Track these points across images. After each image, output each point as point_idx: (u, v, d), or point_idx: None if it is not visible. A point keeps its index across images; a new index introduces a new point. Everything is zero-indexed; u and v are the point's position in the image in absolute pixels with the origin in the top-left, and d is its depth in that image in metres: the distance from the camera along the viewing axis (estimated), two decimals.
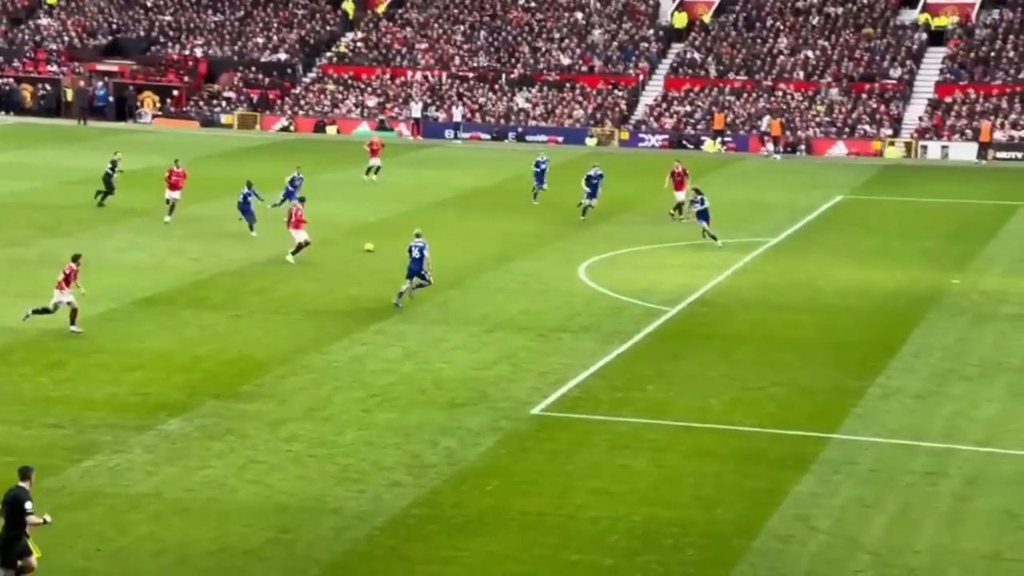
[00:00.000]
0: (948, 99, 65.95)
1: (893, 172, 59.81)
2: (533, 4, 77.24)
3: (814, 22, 72.13)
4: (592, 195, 45.99)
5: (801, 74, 69.29)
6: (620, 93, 71.08)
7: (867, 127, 65.75)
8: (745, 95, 68.90)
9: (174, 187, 44.71)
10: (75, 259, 31.64)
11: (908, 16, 71.33)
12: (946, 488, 22.74)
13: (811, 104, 67.47)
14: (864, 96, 67.36)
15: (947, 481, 23.05)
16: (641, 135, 68.33)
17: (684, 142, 67.21)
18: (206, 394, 27.08)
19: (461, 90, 72.73)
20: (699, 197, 42.08)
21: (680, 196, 45.81)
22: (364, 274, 38.08)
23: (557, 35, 75.25)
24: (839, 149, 64.89)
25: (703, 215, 41.86)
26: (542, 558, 20.10)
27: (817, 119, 66.46)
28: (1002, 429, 25.70)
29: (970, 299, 35.76)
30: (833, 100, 67.32)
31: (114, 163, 47.82)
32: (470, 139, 69.29)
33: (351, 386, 27.93)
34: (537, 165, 49.40)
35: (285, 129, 71.77)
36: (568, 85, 71.98)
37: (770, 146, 65.26)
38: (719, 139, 66.54)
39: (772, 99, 68.11)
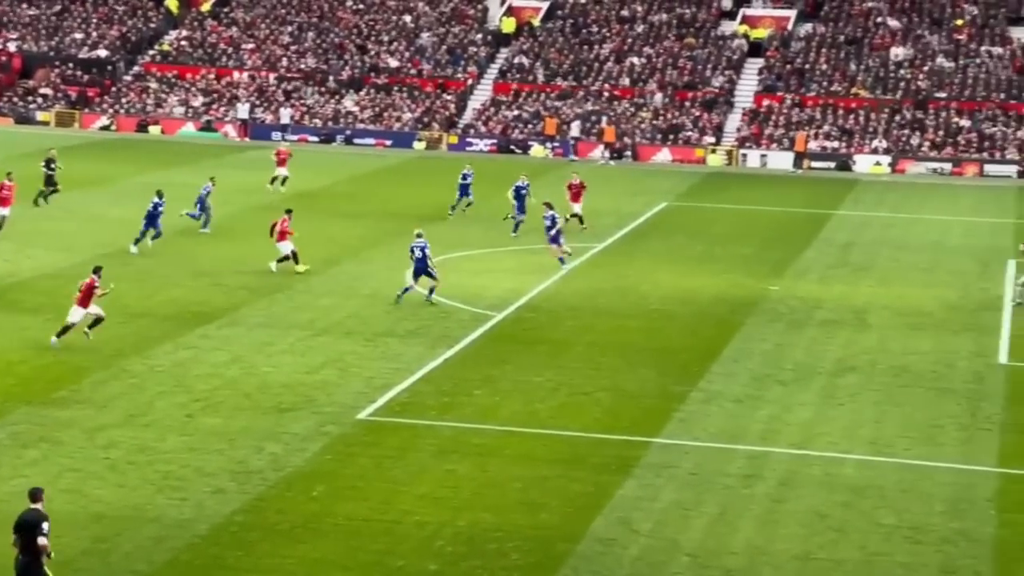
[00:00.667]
0: (765, 109, 67.76)
1: (715, 179, 61.20)
2: (362, 6, 76.99)
3: (639, 30, 73.36)
4: (521, 209, 44.79)
5: (627, 80, 70.42)
6: (448, 97, 71.28)
7: (690, 134, 67.15)
8: (572, 100, 69.69)
9: (3, 203, 41.87)
10: (96, 271, 30.55)
11: (728, 27, 73.07)
12: (761, 490, 23.36)
13: (637, 110, 68.60)
14: (687, 104, 68.77)
15: (762, 483, 23.68)
16: (469, 139, 68.63)
17: (512, 147, 67.71)
18: (19, 400, 26.32)
19: (289, 92, 72.07)
20: (549, 214, 40.30)
21: (576, 207, 45.62)
22: (188, 277, 37.48)
23: (386, 38, 75.11)
24: (664, 156, 66.13)
25: (551, 234, 40.03)
26: (367, 564, 20.06)
27: (643, 125, 67.60)
28: (814, 432, 26.51)
29: (787, 305, 36.79)
30: (658, 107, 68.57)
31: (49, 160, 46.24)
32: (298, 141, 68.68)
33: (174, 391, 27.46)
34: (464, 178, 47.89)
35: (106, 128, 70.15)
36: (396, 88, 71.90)
37: (600, 151, 66.14)
38: (549, 144, 67.23)
39: (599, 104, 69.02)
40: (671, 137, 67.14)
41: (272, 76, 72.94)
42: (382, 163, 63.16)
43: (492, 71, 73.28)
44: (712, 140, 66.78)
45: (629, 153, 66.53)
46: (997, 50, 68.26)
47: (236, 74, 73.22)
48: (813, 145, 65.21)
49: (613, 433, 26.11)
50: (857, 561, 20.56)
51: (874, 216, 51.86)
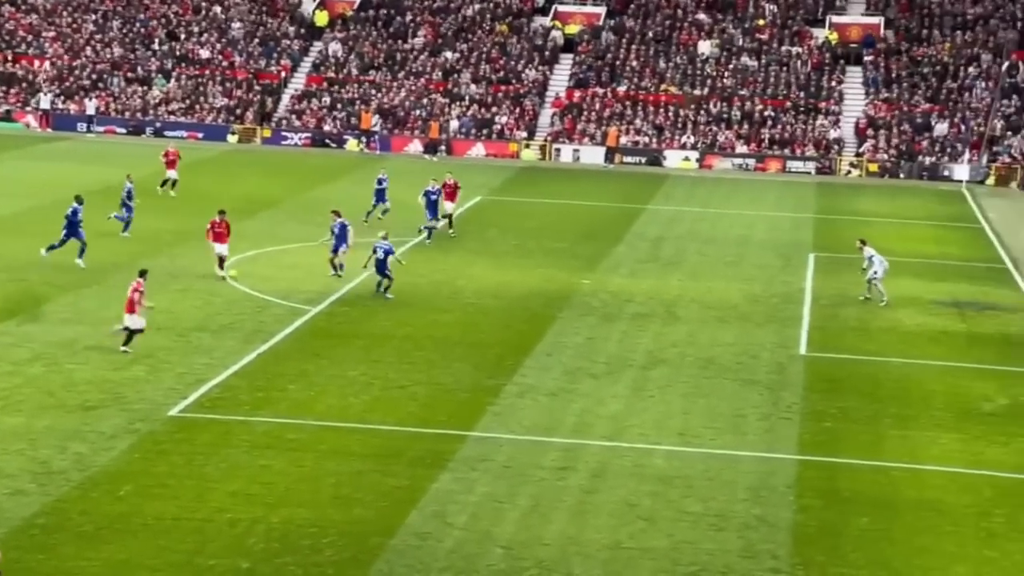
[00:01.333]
0: (578, 104, 68.69)
1: (529, 174, 61.79)
2: None
3: (452, 22, 73.52)
4: (433, 215, 43.91)
5: (440, 74, 70.56)
6: (261, 89, 70.35)
7: (505, 129, 67.65)
8: (388, 93, 69.52)
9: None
10: (142, 274, 29.77)
11: (541, 22, 73.78)
12: (574, 482, 23.75)
13: (451, 104, 68.80)
14: (501, 96, 69.23)
15: (575, 475, 24.07)
16: (283, 132, 67.91)
17: (327, 141, 67.26)
18: None
19: (94, 81, 70.25)
20: (339, 222, 38.34)
21: (449, 207, 44.98)
22: None
23: (196, 28, 73.79)
24: (478, 150, 66.47)
25: (336, 242, 38.14)
26: (176, 564, 19.77)
27: (459, 119, 67.81)
28: (625, 424, 27.04)
29: (599, 299, 37.40)
30: (472, 100, 68.87)
31: None
32: (104, 132, 66.99)
33: None
34: (379, 183, 46.33)
35: None
36: (208, 79, 70.73)
37: (416, 145, 66.17)
38: (364, 138, 66.95)
39: (414, 97, 68.96)
40: (485, 131, 67.54)
41: (76, 65, 70.95)
42: (194, 156, 62.09)
43: (306, 64, 72.66)
44: (525, 135, 67.41)
45: (444, 148, 66.68)
46: (796, 49, 70.42)
47: (37, 63, 71.03)
48: (625, 140, 66.34)
49: (428, 427, 26.22)
50: (665, 549, 21.08)
51: (683, 211, 53.03)
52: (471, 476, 23.77)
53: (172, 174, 50.08)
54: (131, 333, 29.64)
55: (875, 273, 36.88)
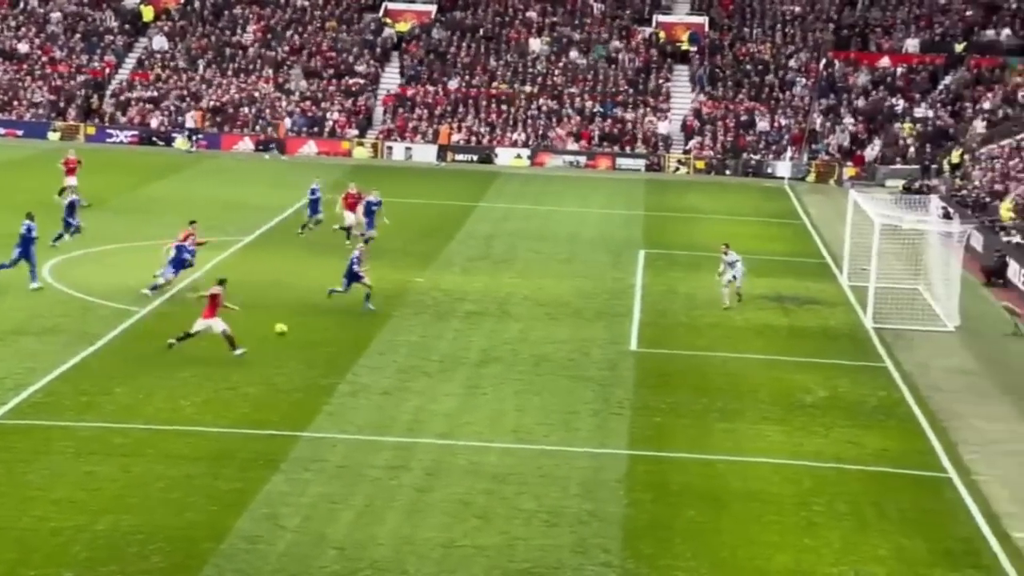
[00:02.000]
0: (410, 100, 68.60)
1: (363, 172, 61.44)
2: None
3: (283, 16, 72.73)
4: (371, 225, 42.76)
5: (270, 69, 69.76)
6: (84, 85, 68.64)
7: (337, 126, 67.21)
8: (219, 88, 68.47)
9: None
10: (221, 282, 30.27)
11: (372, 18, 73.43)
12: (408, 481, 23.73)
13: (282, 99, 68.08)
14: (332, 91, 68.70)
15: (409, 474, 24.06)
16: (109, 130, 66.37)
17: (154, 139, 65.95)
18: None
19: None
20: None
21: (350, 218, 43.79)
22: None
23: (13, 22, 71.62)
24: (310, 148, 65.89)
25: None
26: None
27: (291, 114, 67.11)
28: (459, 422, 27.11)
29: (432, 297, 37.42)
30: (303, 95, 68.24)
31: None
32: None
33: None
34: (312, 193, 44.83)
35: None
36: (27, 74, 68.71)
37: (246, 142, 65.39)
38: (192, 136, 65.83)
39: (243, 91, 68.03)
40: (316, 129, 66.99)
41: None
42: (13, 154, 60.31)
43: (130, 59, 71.10)
44: (357, 132, 67.07)
45: (275, 146, 65.94)
46: (620, 44, 71.40)
47: None
48: (456, 138, 66.48)
49: (260, 428, 25.93)
50: (499, 546, 21.21)
51: (515, 208, 53.38)
52: (304, 477, 23.59)
53: (71, 181, 47.19)
54: (188, 335, 29.88)
55: (732, 277, 36.91)
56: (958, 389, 31.04)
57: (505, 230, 48.49)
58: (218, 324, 30.19)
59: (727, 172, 64.94)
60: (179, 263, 35.60)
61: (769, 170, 64.69)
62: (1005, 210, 46.87)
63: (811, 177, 64.02)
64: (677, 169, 65.51)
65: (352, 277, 35.47)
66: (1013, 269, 41.99)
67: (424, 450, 25.35)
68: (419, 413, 27.59)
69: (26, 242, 35.45)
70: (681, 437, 26.77)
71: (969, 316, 36.71)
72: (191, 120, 65.90)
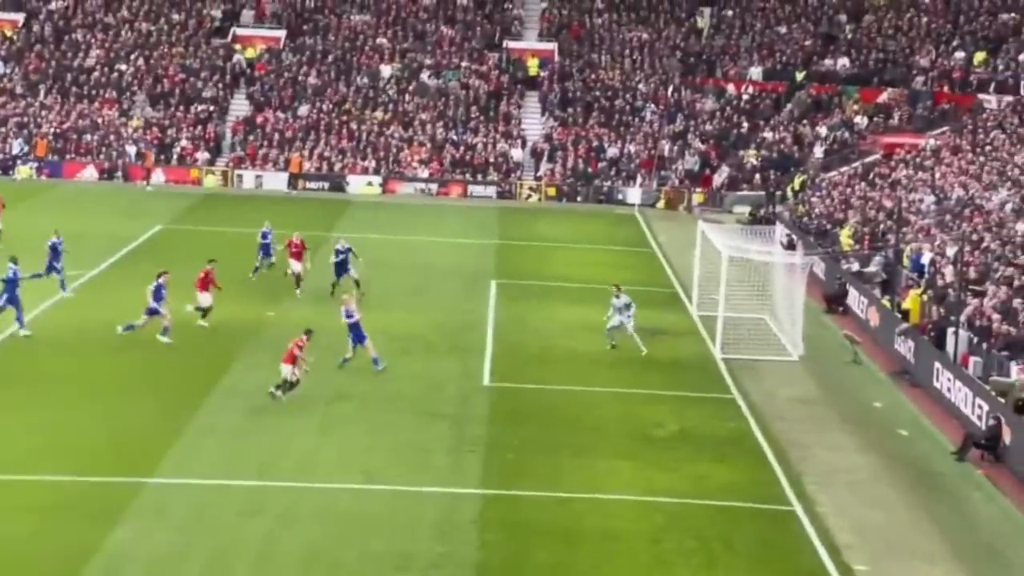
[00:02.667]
0: (261, 127, 67.81)
1: (212, 201, 60.54)
2: None
3: (126, 39, 71.31)
4: (341, 272, 41.61)
5: (115, 92, 68.34)
6: None
7: (186, 155, 66.10)
8: (58, 113, 66.86)
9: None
10: (308, 333, 31.04)
11: (220, 43, 72.47)
12: (259, 526, 23.35)
13: (127, 124, 66.73)
14: (180, 117, 67.58)
15: (260, 519, 23.69)
16: None
17: None
18: None
19: None
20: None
21: (296, 267, 42.32)
22: None
23: None
24: (158, 176, 64.65)
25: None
26: None
27: (136, 139, 65.81)
28: (310, 463, 26.79)
29: (283, 332, 36.83)
30: (149, 121, 67.00)
31: None
32: None
33: None
34: (263, 236, 43.56)
35: None
36: None
37: (92, 171, 63.96)
38: (32, 164, 64.17)
39: (86, 117, 66.52)
40: (163, 157, 65.80)
41: None
42: None
43: None
44: (207, 158, 66.08)
45: (120, 174, 64.59)
46: (475, 66, 71.61)
47: None
48: (307, 165, 65.89)
49: (104, 475, 25.27)
50: None
51: (367, 238, 52.94)
52: (149, 526, 23.05)
53: None
54: (290, 384, 30.30)
55: (619, 322, 36.33)
56: (802, 419, 31.68)
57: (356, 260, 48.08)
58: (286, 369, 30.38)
59: (578, 199, 65.44)
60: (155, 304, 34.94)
61: (620, 196, 65.35)
62: (845, 237, 47.98)
63: (661, 203, 64.84)
64: (529, 196, 65.84)
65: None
66: (853, 296, 43.06)
67: (275, 493, 24.98)
68: (271, 455, 27.17)
69: (11, 283, 34.46)
70: (535, 475, 26.81)
71: (812, 344, 37.51)
72: (18, 147, 64.16)
